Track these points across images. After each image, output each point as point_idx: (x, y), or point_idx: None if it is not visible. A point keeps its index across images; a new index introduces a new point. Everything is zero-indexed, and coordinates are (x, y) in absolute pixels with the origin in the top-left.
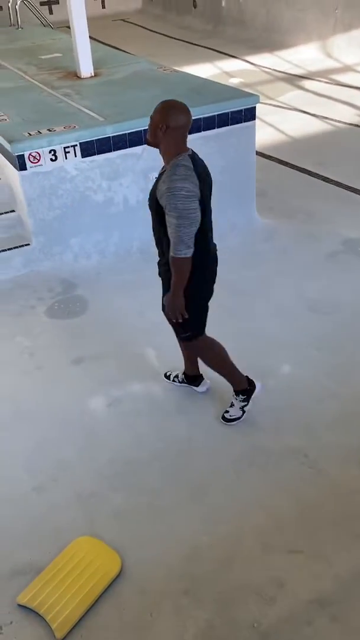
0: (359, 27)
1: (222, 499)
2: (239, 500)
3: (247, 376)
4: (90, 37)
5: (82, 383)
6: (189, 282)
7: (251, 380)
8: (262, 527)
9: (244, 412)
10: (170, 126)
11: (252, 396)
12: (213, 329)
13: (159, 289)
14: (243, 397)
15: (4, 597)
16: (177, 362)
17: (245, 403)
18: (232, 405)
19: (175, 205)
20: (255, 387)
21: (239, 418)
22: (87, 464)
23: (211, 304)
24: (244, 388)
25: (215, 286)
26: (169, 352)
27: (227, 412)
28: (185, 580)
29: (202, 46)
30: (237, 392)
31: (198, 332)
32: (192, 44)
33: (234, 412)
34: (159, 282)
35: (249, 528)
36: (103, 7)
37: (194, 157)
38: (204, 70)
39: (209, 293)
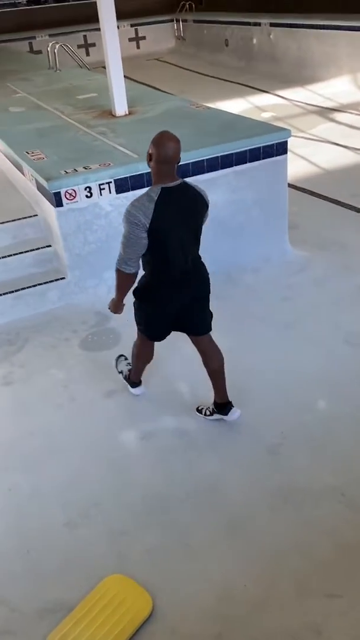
0: None
1: (256, 538)
2: (273, 540)
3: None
4: (124, 76)
5: (114, 417)
6: (140, 290)
7: (139, 382)
8: (298, 569)
9: (122, 372)
10: (153, 158)
11: (127, 384)
12: (247, 361)
13: None
14: (127, 375)
15: (35, 636)
16: (209, 396)
17: (124, 375)
18: (128, 364)
19: (126, 227)
20: (135, 387)
21: (117, 371)
22: (119, 499)
23: (245, 335)
24: (132, 380)
25: (249, 318)
26: (201, 386)
27: (124, 360)
28: (218, 622)
29: (234, 82)
30: (127, 377)
31: (141, 330)
32: (224, 80)
33: (122, 367)
34: None
35: (284, 569)
36: (138, 47)
37: (174, 190)
38: (236, 105)
39: (160, 311)
